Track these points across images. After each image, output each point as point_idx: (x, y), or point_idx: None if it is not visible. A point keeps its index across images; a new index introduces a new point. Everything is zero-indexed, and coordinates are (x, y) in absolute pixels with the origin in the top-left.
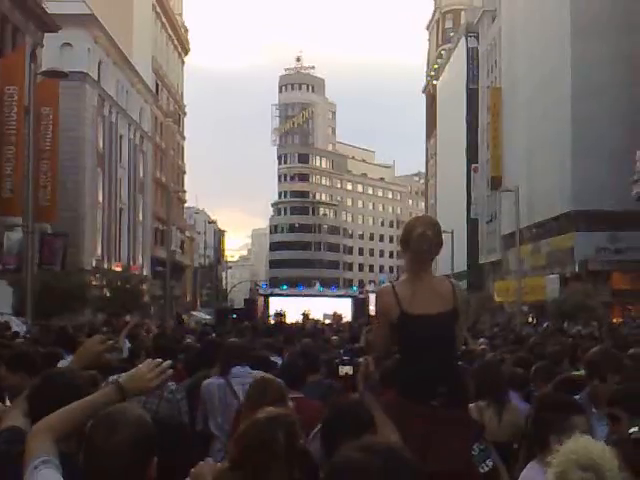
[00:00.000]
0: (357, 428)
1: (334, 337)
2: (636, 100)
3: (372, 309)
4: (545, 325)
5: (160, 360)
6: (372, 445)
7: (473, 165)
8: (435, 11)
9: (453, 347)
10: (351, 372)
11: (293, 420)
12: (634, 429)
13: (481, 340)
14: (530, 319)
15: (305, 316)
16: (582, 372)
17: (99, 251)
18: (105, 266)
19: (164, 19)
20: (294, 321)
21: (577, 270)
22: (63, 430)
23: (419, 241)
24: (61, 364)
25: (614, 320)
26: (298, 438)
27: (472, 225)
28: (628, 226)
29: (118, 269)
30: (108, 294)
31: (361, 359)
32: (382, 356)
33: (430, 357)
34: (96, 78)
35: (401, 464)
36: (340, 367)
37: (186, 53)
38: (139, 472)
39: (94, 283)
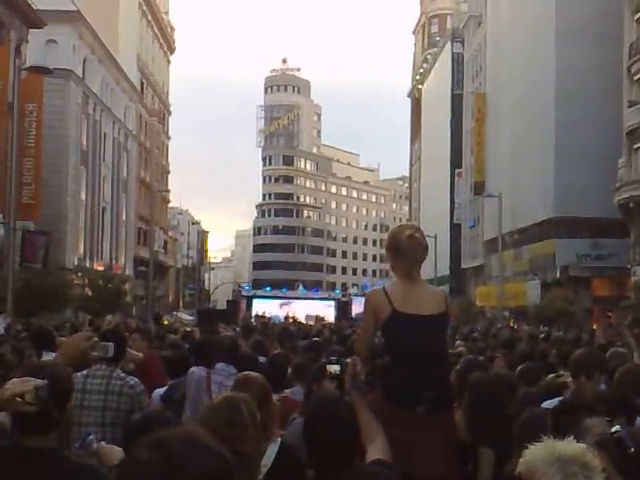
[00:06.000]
0: (337, 422)
1: (315, 338)
2: (619, 107)
3: (355, 312)
4: (525, 330)
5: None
6: (162, 440)
7: (457, 170)
8: (421, 16)
9: (443, 350)
10: (339, 371)
11: (247, 397)
12: (616, 428)
13: (457, 342)
14: (511, 324)
15: (289, 319)
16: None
17: (81, 250)
18: (87, 265)
19: (150, 17)
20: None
21: (558, 276)
22: None
23: (410, 243)
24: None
25: (594, 327)
26: (256, 413)
27: (455, 230)
28: (609, 233)
29: (100, 268)
30: (90, 293)
31: (348, 359)
32: (367, 357)
33: (418, 360)
34: (81, 75)
35: (190, 461)
36: (328, 366)
37: (172, 52)
38: None
39: (76, 282)
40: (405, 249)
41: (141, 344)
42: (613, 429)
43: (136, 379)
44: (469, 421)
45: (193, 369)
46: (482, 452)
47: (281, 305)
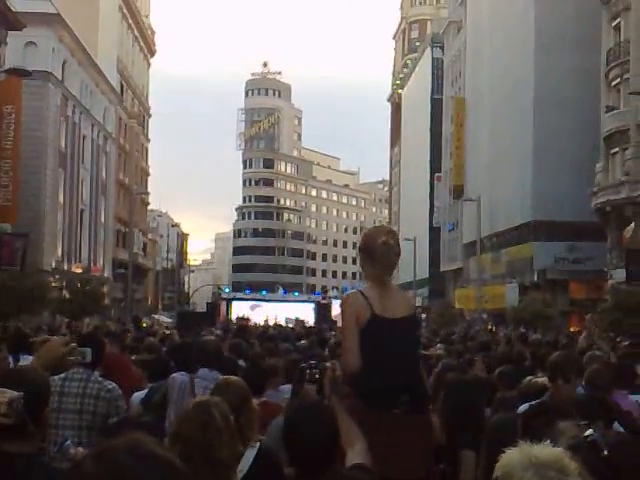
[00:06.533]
0: (318, 429)
1: (302, 341)
2: (597, 113)
3: (335, 315)
4: (503, 333)
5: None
6: (106, 451)
7: (436, 174)
8: (402, 21)
9: (417, 352)
10: (318, 376)
11: (219, 401)
12: (589, 432)
13: (438, 345)
14: (489, 326)
15: (267, 321)
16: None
17: (59, 252)
18: (65, 267)
19: (130, 20)
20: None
21: (536, 279)
22: None
23: (384, 250)
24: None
25: (572, 329)
26: (230, 417)
27: (434, 233)
28: (586, 237)
29: (78, 270)
30: (67, 296)
31: (328, 363)
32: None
33: (395, 362)
34: (60, 78)
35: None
36: (307, 371)
37: (152, 55)
38: None
39: (53, 284)
40: (379, 255)
41: (110, 349)
42: (587, 433)
43: (114, 383)
44: (444, 423)
45: (175, 375)
46: (464, 455)
47: (252, 307)
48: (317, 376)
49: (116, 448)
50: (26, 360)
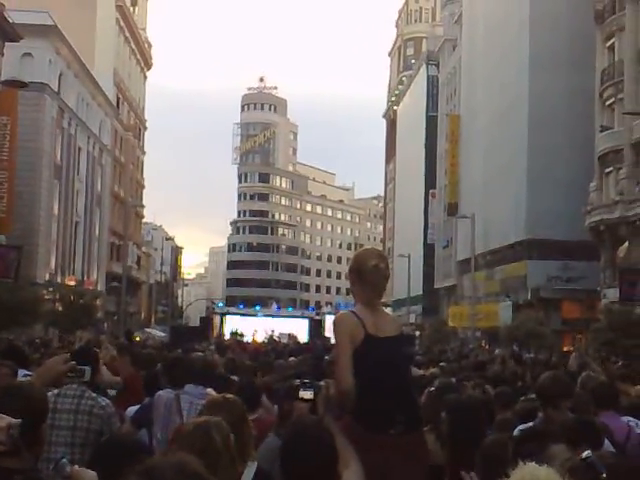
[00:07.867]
0: (317, 449)
1: (291, 358)
2: (591, 132)
3: (329, 330)
4: (496, 352)
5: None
6: (153, 468)
7: (431, 191)
8: (397, 38)
9: (410, 370)
10: (311, 396)
11: (219, 421)
12: (586, 453)
13: (441, 364)
14: (483, 344)
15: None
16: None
17: (53, 264)
18: (59, 280)
19: (127, 33)
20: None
21: (529, 297)
22: None
23: (375, 273)
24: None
25: (564, 348)
26: (230, 437)
27: (428, 250)
28: (580, 256)
29: (72, 283)
30: (60, 309)
31: (322, 382)
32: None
33: (389, 382)
34: (56, 89)
35: None
36: (301, 390)
37: (148, 68)
38: None
39: (46, 297)
40: (369, 279)
41: (129, 367)
42: (584, 454)
43: (107, 400)
44: (450, 443)
45: (160, 393)
46: (465, 477)
47: (255, 322)
48: (310, 396)
49: (163, 466)
50: (21, 375)
